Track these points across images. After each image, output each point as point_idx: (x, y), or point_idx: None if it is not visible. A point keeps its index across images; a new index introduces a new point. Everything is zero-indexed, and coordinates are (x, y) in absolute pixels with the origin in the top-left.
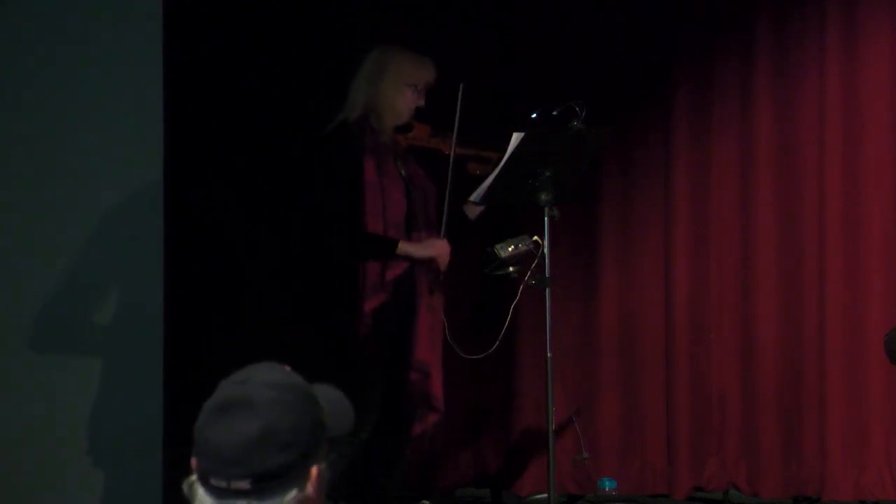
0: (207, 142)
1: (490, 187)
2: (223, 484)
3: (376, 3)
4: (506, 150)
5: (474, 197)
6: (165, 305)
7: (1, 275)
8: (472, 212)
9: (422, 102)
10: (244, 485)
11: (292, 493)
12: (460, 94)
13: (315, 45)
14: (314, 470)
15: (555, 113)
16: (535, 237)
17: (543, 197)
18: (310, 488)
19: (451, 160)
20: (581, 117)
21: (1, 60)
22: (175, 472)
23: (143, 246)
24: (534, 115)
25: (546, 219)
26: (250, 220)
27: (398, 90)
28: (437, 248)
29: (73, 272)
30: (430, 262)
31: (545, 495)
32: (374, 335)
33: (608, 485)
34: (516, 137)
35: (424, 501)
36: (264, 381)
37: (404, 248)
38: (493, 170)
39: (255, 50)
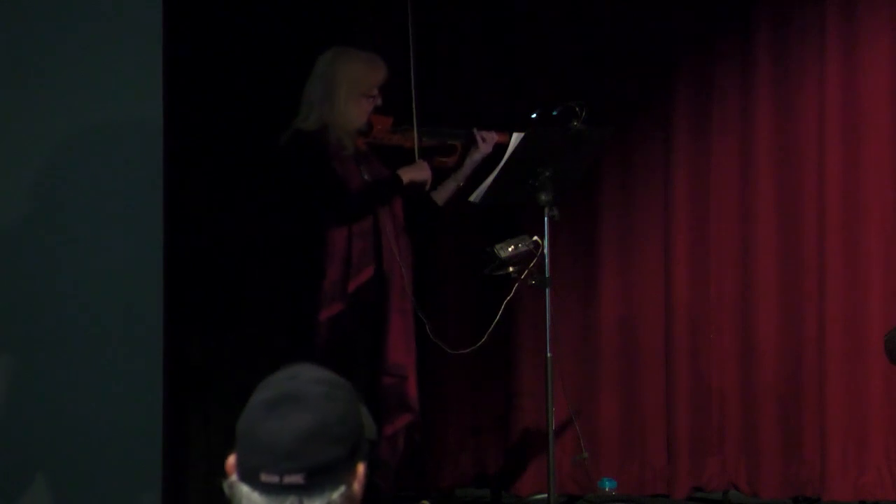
0: (207, 142)
1: (490, 187)
2: (275, 479)
3: (376, 4)
4: (467, 135)
5: (474, 197)
6: (165, 306)
7: (1, 274)
8: (441, 197)
9: (379, 102)
10: (298, 479)
11: (341, 490)
12: (413, 91)
13: (316, 44)
14: (360, 467)
15: (555, 113)
16: (535, 237)
17: (543, 197)
18: (356, 486)
19: (416, 154)
20: (581, 117)
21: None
22: (175, 471)
23: (143, 246)
24: (534, 115)
25: (546, 219)
26: (251, 220)
27: (354, 102)
28: (425, 168)
29: (73, 272)
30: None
31: (545, 495)
32: (331, 344)
33: (608, 485)
34: (516, 137)
35: (424, 501)
36: (313, 377)
37: (406, 175)
38: (457, 160)
39: (255, 50)
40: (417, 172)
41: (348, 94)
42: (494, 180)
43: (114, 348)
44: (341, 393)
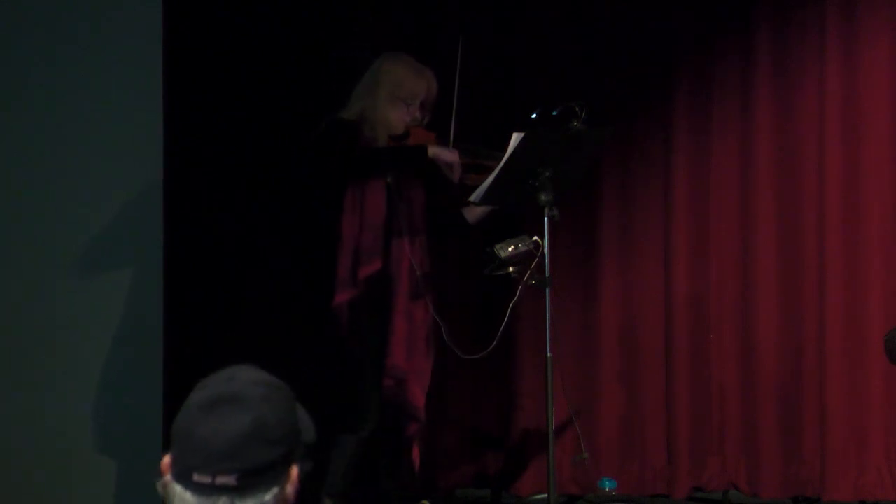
0: (207, 142)
1: (490, 187)
2: (207, 479)
3: (376, 3)
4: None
5: (474, 197)
6: (165, 305)
7: (1, 274)
8: (472, 214)
9: (418, 114)
10: (230, 480)
11: (273, 492)
12: (460, 47)
13: (317, 44)
14: (294, 470)
15: (555, 113)
16: (535, 237)
17: (543, 197)
18: (289, 488)
19: (452, 129)
20: (581, 117)
21: (0, 60)
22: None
23: (143, 246)
24: (534, 115)
25: (546, 219)
26: (251, 220)
27: (391, 104)
28: (455, 153)
29: (73, 272)
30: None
31: (545, 495)
32: (350, 326)
33: (608, 485)
34: (516, 137)
35: (424, 501)
36: (251, 378)
37: (433, 150)
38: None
39: (255, 50)
40: (444, 152)
41: (388, 94)
42: (494, 180)
43: (114, 348)
44: (279, 395)
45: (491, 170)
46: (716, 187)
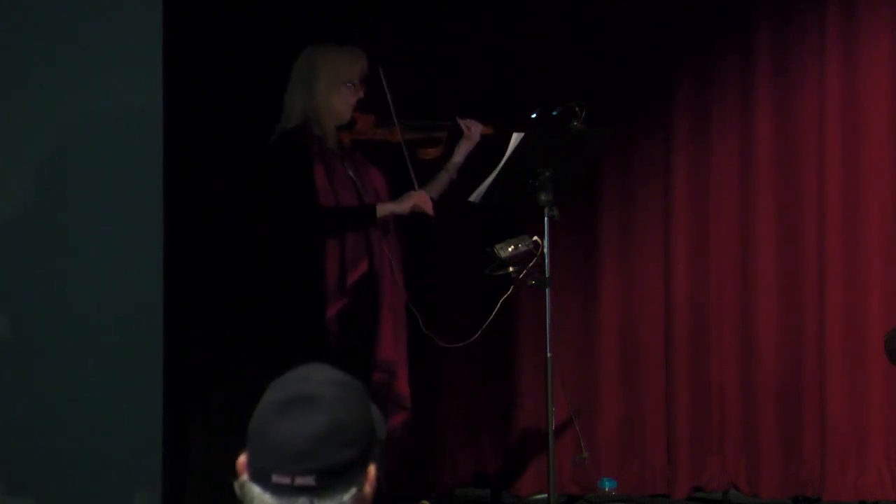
0: (207, 141)
1: (490, 187)
2: (287, 480)
3: (376, 3)
4: (451, 126)
5: (474, 197)
6: (165, 306)
7: (0, 274)
8: (434, 190)
9: (361, 95)
10: (309, 480)
11: (352, 492)
12: (382, 77)
13: (315, 44)
14: (371, 469)
15: (555, 113)
16: (535, 237)
17: (543, 197)
18: (367, 488)
19: (404, 147)
20: (581, 117)
21: (0, 60)
22: (175, 471)
23: (143, 246)
24: (534, 115)
25: (546, 219)
26: (251, 220)
27: (334, 90)
28: (416, 197)
29: (72, 272)
30: (413, 210)
31: (545, 495)
32: (340, 340)
33: (608, 485)
34: (516, 137)
35: (424, 501)
36: (326, 378)
37: (383, 208)
38: (443, 152)
39: (255, 50)
40: (398, 205)
41: (329, 82)
42: (494, 180)
43: (114, 348)
44: (354, 394)
45: (441, 141)
46: (716, 187)
